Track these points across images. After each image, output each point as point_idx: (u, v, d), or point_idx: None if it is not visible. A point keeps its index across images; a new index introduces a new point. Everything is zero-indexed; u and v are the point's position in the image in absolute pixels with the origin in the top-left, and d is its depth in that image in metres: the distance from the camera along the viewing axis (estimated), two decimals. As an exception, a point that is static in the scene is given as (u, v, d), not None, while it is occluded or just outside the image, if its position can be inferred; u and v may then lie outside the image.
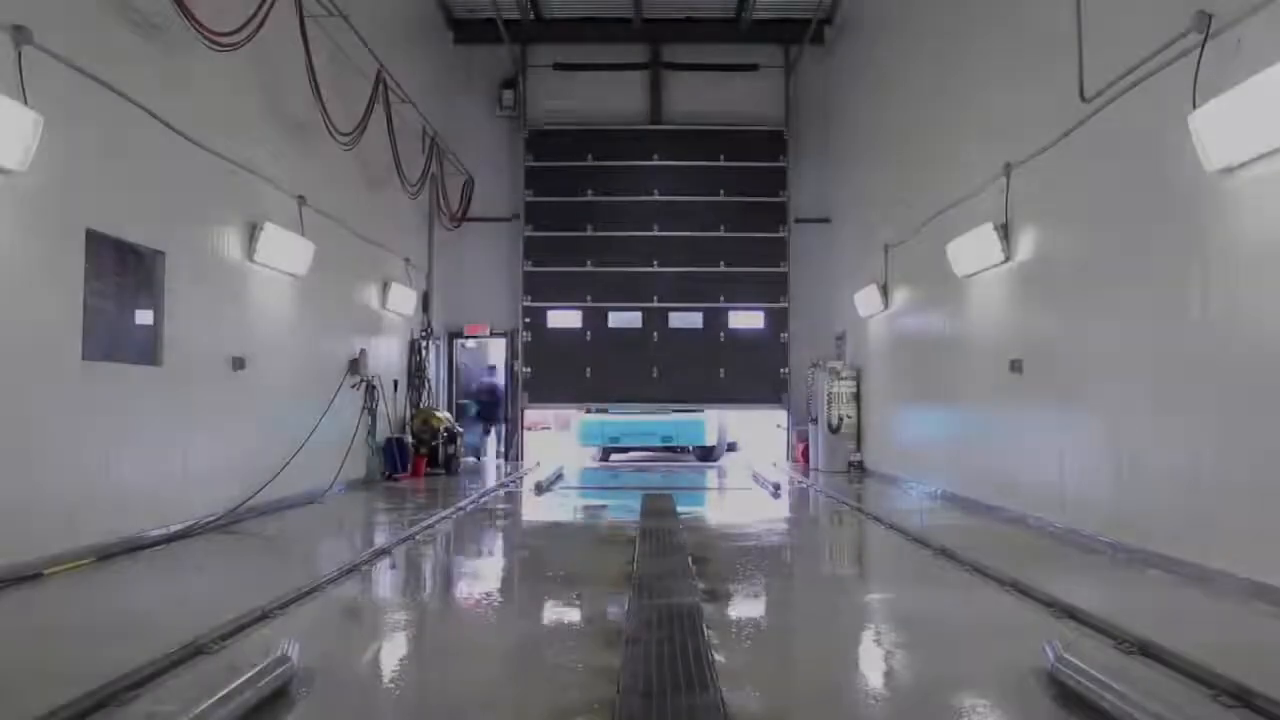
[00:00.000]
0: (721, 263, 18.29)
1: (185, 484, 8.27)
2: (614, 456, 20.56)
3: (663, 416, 19.10)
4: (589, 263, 18.28)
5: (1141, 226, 6.87)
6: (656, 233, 18.24)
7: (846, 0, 16.77)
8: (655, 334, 18.46)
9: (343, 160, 11.70)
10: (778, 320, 18.48)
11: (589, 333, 18.49)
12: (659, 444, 19.88)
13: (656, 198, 18.23)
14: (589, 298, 18.39)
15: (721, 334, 18.51)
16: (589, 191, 18.28)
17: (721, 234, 18.25)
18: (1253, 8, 5.47)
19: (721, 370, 18.41)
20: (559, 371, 18.38)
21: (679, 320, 18.51)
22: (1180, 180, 6.26)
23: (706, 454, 19.90)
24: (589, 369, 18.40)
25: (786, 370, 18.44)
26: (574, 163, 18.25)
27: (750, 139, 18.31)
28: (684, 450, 20.35)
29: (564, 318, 18.52)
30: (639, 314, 18.46)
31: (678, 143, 18.31)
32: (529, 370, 18.40)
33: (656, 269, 18.23)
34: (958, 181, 10.60)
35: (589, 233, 18.26)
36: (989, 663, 4.54)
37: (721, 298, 18.41)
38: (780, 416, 18.99)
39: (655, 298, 18.38)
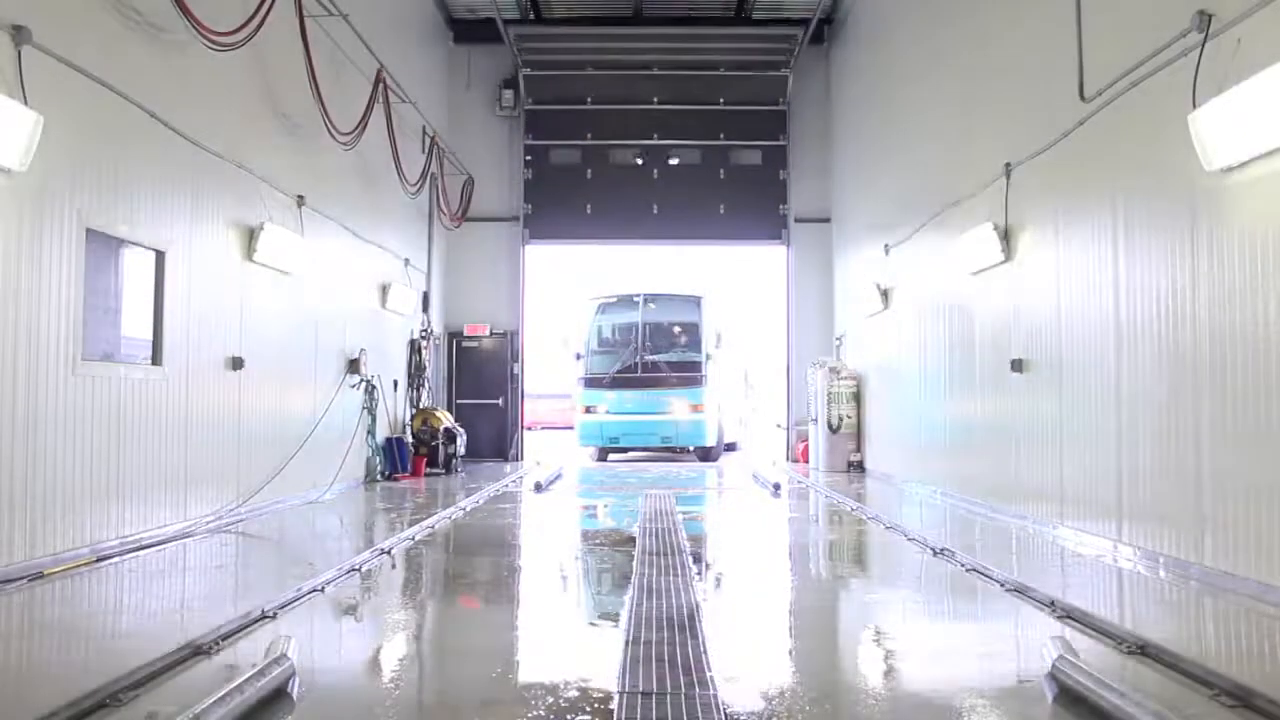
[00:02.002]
0: (721, 100, 18.35)
1: (185, 484, 8.27)
2: (611, 456, 20.46)
3: (662, 415, 19.25)
4: (589, 100, 18.33)
5: (1141, 226, 6.86)
6: (656, 72, 18.21)
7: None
8: (655, 170, 18.57)
9: (342, 160, 11.71)
10: (776, 158, 18.56)
11: (589, 170, 18.59)
12: (658, 444, 19.86)
13: (656, 29, 17.98)
14: (589, 135, 18.46)
15: (721, 171, 18.60)
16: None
17: (722, 73, 18.21)
18: (1253, 8, 5.47)
19: (721, 206, 18.53)
20: (560, 209, 18.46)
21: (679, 157, 18.62)
22: (1180, 180, 6.26)
23: (706, 454, 19.84)
24: (589, 206, 18.53)
25: (786, 207, 18.53)
26: None
27: None
28: (683, 450, 20.34)
29: (565, 155, 18.59)
30: (639, 151, 18.56)
31: None
32: (529, 207, 18.46)
33: (656, 106, 18.19)
34: (958, 181, 10.60)
35: (588, 72, 18.29)
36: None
37: (721, 135, 18.45)
38: (780, 253, 18.89)
39: (655, 135, 18.45)
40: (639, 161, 18.53)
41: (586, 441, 20.12)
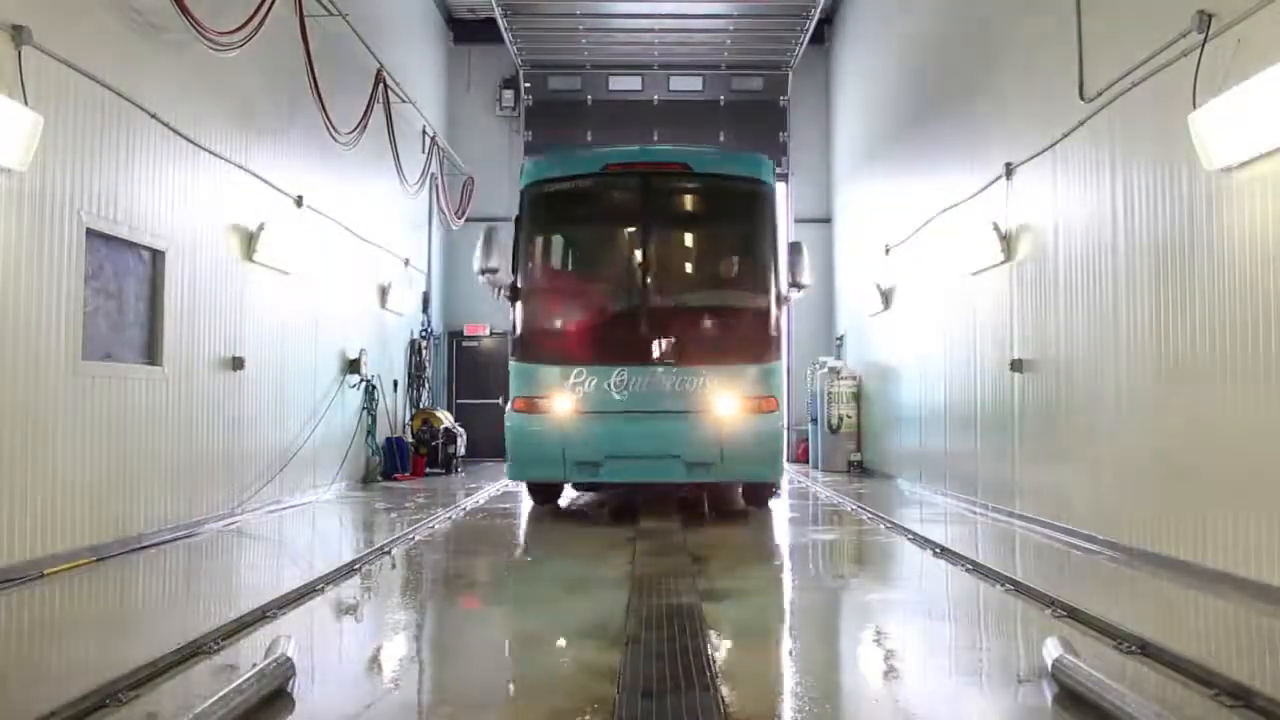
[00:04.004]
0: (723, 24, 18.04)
1: (184, 483, 8.27)
2: (573, 496, 11.97)
3: (690, 418, 9.24)
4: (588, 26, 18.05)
5: (1141, 226, 6.86)
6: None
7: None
8: (655, 97, 18.51)
9: (342, 160, 11.71)
10: (777, 86, 18.54)
11: (589, 96, 18.50)
12: (681, 478, 9.44)
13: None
14: (588, 65, 18.40)
15: (721, 98, 18.52)
16: None
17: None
18: (1253, 8, 5.47)
19: (721, 134, 18.46)
20: (559, 137, 18.25)
21: (679, 84, 18.54)
22: (1179, 180, 6.26)
23: (761, 495, 10.47)
24: (590, 133, 18.40)
25: (786, 134, 18.54)
26: None
27: None
28: (711, 485, 10.91)
29: (564, 81, 18.51)
30: (638, 78, 18.49)
31: None
32: (529, 134, 18.38)
33: (657, 30, 17.87)
34: (958, 181, 10.60)
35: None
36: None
37: (723, 65, 18.37)
38: (780, 187, 18.65)
39: (655, 64, 18.40)
40: (639, 82, 18.37)
41: (525, 470, 9.83)
